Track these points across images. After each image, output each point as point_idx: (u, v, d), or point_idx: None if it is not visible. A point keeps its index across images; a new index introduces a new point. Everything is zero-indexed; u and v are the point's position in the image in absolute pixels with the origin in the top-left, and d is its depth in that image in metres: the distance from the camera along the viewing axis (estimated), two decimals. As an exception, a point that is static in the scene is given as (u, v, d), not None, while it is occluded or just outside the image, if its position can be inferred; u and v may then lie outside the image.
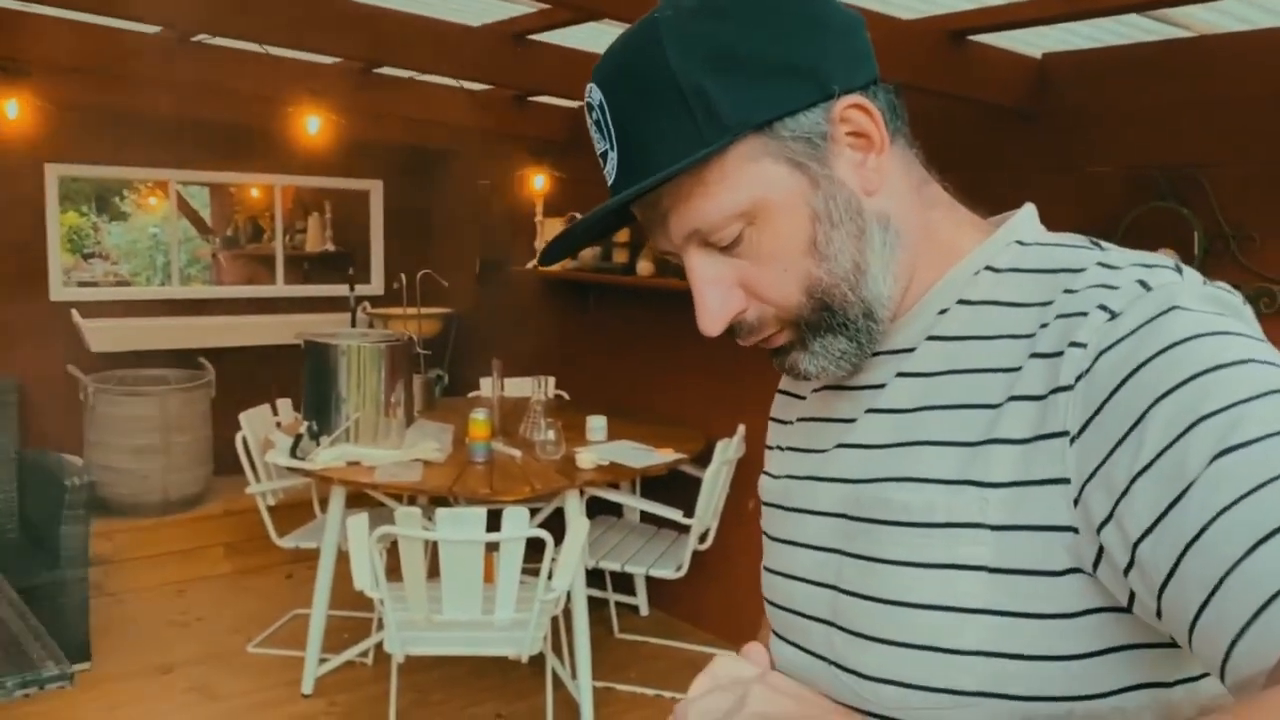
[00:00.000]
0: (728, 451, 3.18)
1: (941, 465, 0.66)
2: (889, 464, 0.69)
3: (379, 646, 3.35)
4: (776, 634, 0.81)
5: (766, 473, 0.86)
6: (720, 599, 3.70)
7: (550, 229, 4.22)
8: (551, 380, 4.22)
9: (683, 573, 3.16)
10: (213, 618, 3.82)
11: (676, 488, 3.43)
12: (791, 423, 0.85)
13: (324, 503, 3.49)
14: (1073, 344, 0.62)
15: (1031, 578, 0.62)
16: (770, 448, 0.89)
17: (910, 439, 0.69)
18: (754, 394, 3.63)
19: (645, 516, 3.64)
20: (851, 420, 0.75)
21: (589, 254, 3.98)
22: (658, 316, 3.96)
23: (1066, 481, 0.60)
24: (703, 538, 3.21)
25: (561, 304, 4.46)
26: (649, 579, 3.86)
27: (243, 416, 3.35)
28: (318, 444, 3.14)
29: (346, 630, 3.56)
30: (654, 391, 3.98)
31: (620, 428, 3.49)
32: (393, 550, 2.59)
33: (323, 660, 3.27)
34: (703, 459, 3.28)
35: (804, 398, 0.83)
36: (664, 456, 3.23)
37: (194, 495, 4.25)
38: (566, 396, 4.27)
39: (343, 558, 3.12)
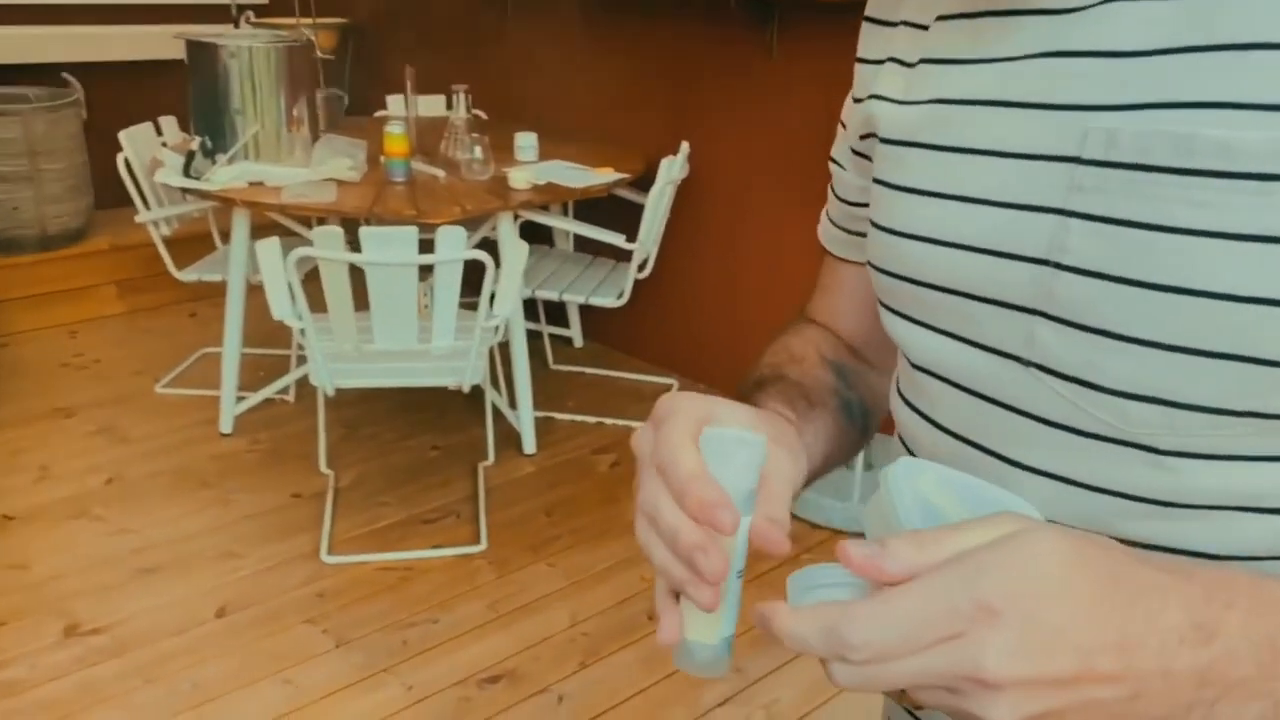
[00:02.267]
0: (672, 170, 2.94)
1: None
2: (1177, 79, 0.47)
3: (300, 383, 3.16)
4: (902, 314, 0.62)
5: (879, 97, 0.64)
6: (655, 328, 3.58)
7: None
8: (467, 95, 3.84)
9: (624, 300, 2.99)
10: (112, 360, 3.55)
11: (612, 213, 3.20)
12: (925, 27, 0.61)
13: (225, 235, 3.16)
14: None
15: None
16: (871, 62, 0.66)
17: (1219, 39, 0.46)
18: (695, 111, 3.39)
19: (580, 245, 3.43)
20: (1071, 9, 0.51)
21: (507, -50, 3.52)
22: (588, 21, 3.58)
23: None
24: (642, 266, 3.02)
25: (474, 10, 4.01)
26: (583, 310, 3.70)
27: (123, 135, 2.94)
28: (213, 162, 2.78)
29: (262, 369, 3.34)
30: (584, 109, 3.65)
31: (550, 148, 3.20)
32: (309, 283, 2.34)
33: (240, 399, 3.07)
34: (642, 183, 3.04)
35: None
36: (603, 177, 2.97)
37: (75, 229, 3.85)
38: (484, 116, 3.91)
39: (252, 292, 2.86)
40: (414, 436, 3.09)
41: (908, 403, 0.64)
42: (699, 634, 0.52)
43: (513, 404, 3.02)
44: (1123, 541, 0.52)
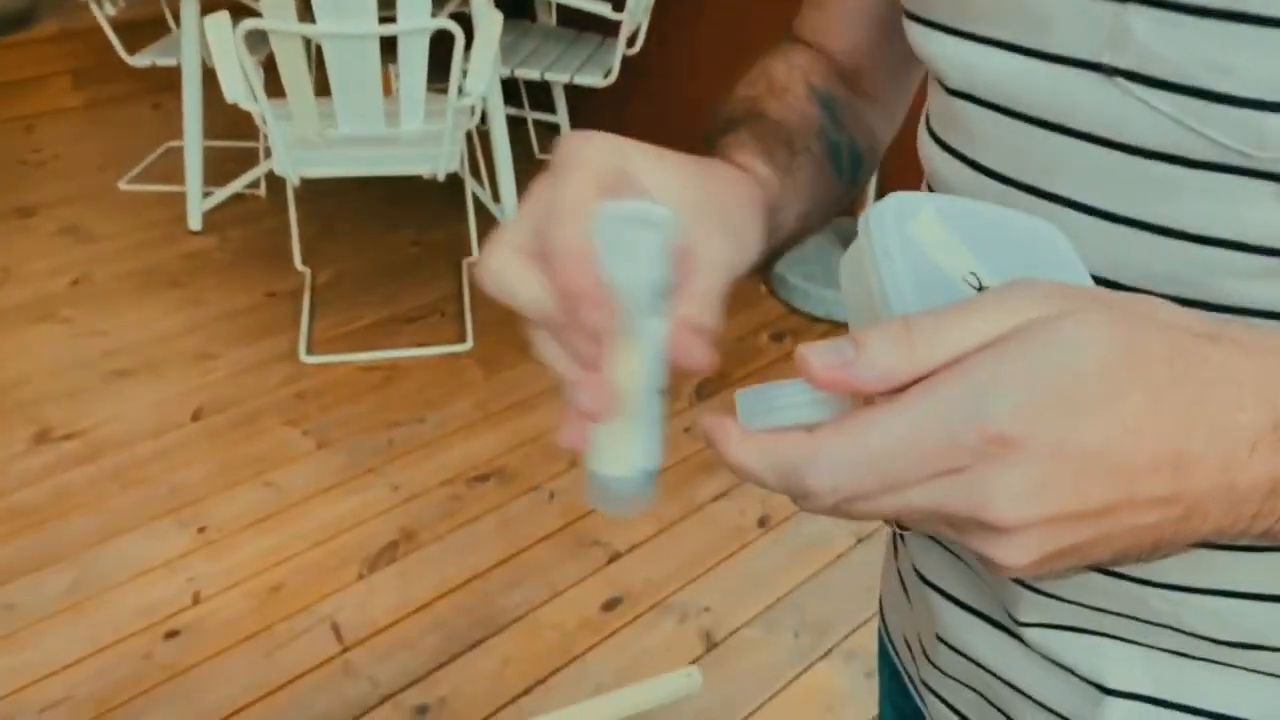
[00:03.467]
0: (662, -72, 2.65)
1: None
2: None
3: (271, 177, 2.97)
4: (936, 23, 0.47)
5: None
6: (646, 110, 3.35)
7: None
8: None
9: (612, 79, 2.76)
10: (72, 155, 3.35)
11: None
12: None
13: (177, 16, 2.89)
14: None
15: None
16: None
17: None
18: None
19: (563, 19, 3.15)
20: None
21: None
22: None
23: None
24: (631, 40, 2.78)
25: None
26: (570, 93, 3.46)
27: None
28: (152, -72, 2.50)
29: (230, 161, 3.14)
30: None
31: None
32: (269, 67, 2.12)
33: (207, 194, 2.89)
34: (630, -58, 2.75)
35: None
36: (586, -63, 2.68)
37: (18, 12, 3.56)
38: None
39: (212, 78, 2.63)
40: (394, 232, 2.93)
41: (940, 142, 0.50)
42: (608, 464, 0.40)
43: (496, 197, 2.85)
44: (1221, 309, 0.40)
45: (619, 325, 0.38)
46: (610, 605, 1.76)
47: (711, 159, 0.48)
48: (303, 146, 2.23)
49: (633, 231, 0.38)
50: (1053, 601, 0.48)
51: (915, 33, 0.49)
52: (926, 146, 0.52)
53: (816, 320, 2.51)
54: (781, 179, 0.50)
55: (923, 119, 0.53)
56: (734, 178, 0.47)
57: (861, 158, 0.58)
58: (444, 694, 1.61)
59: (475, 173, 2.91)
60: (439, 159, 2.27)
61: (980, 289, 0.34)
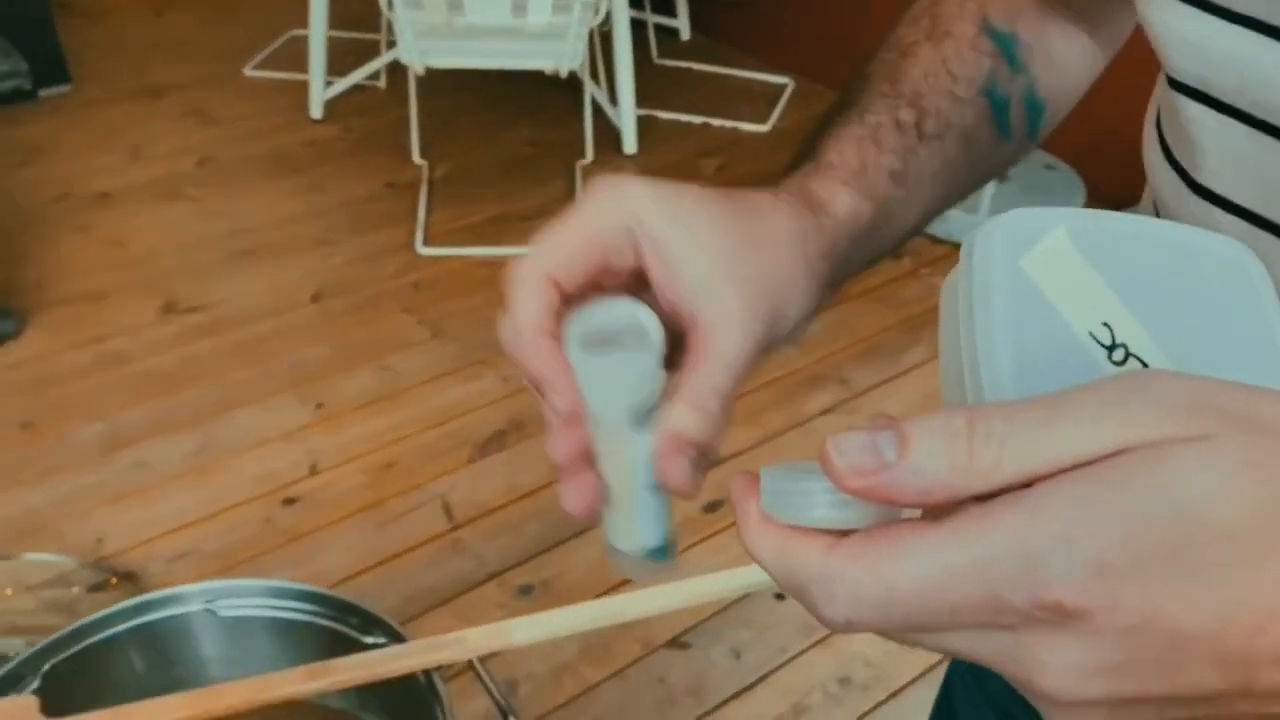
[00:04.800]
0: None
1: None
2: None
3: (392, 69, 2.99)
4: None
5: None
6: (771, 18, 3.27)
7: None
8: None
9: (739, -18, 2.69)
10: (198, 40, 3.40)
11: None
12: None
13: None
14: None
15: None
16: None
17: None
18: None
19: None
20: None
21: None
22: None
23: None
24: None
25: None
26: (691, -1, 3.39)
27: None
28: None
29: (351, 53, 3.16)
30: None
31: None
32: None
33: (329, 83, 2.92)
34: None
35: None
36: None
37: (152, -103, 3.61)
38: None
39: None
40: (509, 131, 2.93)
41: (1165, 147, 0.41)
42: (618, 539, 0.40)
43: (613, 99, 2.82)
44: None
45: (600, 438, 0.37)
46: (712, 507, 1.77)
47: (766, 200, 0.40)
48: (429, 35, 2.23)
49: (607, 359, 0.36)
50: None
51: (1146, 4, 0.39)
52: (1150, 152, 0.42)
53: (937, 242, 2.44)
54: (889, 191, 0.44)
55: (1148, 116, 0.44)
56: (784, 229, 0.39)
57: (1043, 105, 0.50)
58: (547, 577, 1.65)
59: (594, 75, 2.88)
60: (562, 54, 2.25)
61: (1112, 349, 0.27)
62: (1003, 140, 0.48)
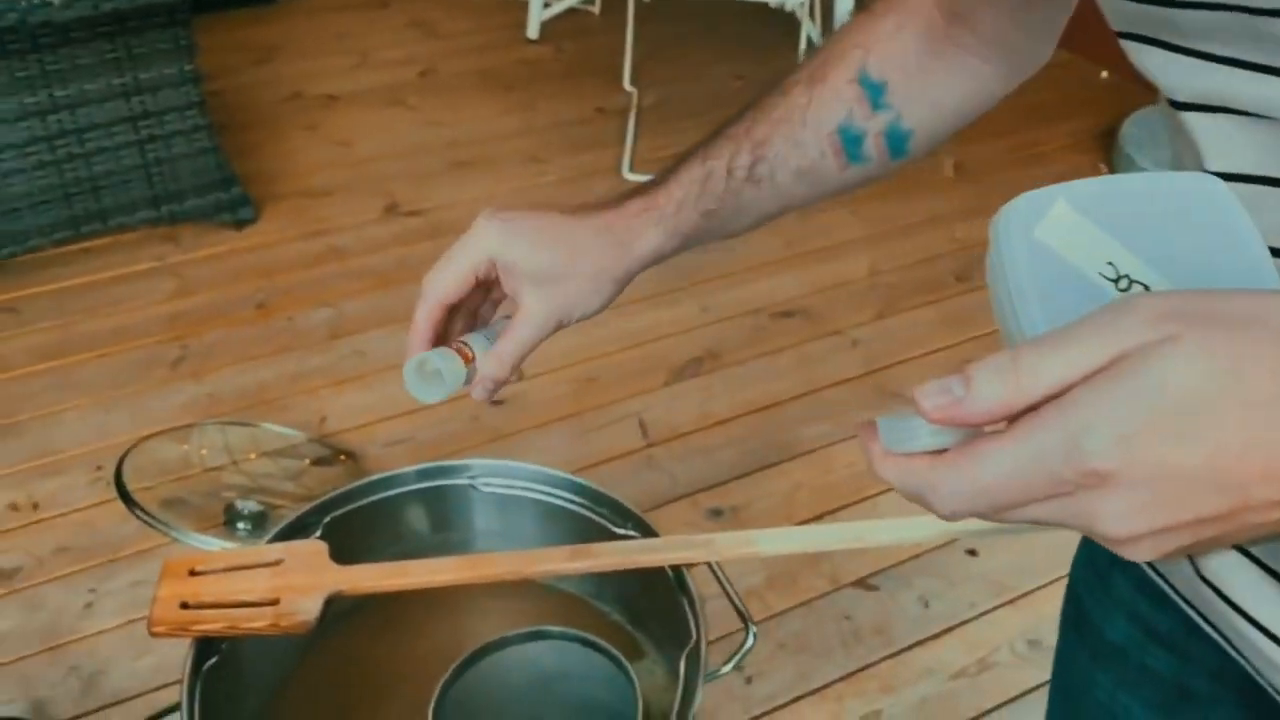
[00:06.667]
0: None
1: None
2: None
3: (608, -7, 3.02)
4: (1154, 40, 0.43)
5: None
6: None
7: None
8: None
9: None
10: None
11: None
12: None
13: None
14: None
15: None
16: None
17: None
18: None
19: None
20: None
21: None
22: None
23: None
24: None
25: None
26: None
27: None
28: None
29: (569, -24, 3.21)
30: None
31: None
32: None
33: (546, 4, 2.98)
34: None
35: None
36: None
37: None
38: None
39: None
40: (719, 64, 2.93)
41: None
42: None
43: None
44: None
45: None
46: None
47: (589, 236, 0.63)
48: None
49: (425, 380, 0.63)
50: None
51: (1127, 47, 0.44)
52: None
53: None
54: (698, 224, 0.65)
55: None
56: (592, 261, 0.63)
57: (908, 134, 0.63)
58: (736, 503, 1.68)
59: (810, 13, 2.84)
60: (791, -13, 2.22)
61: (1117, 280, 0.35)
62: (855, 165, 0.64)
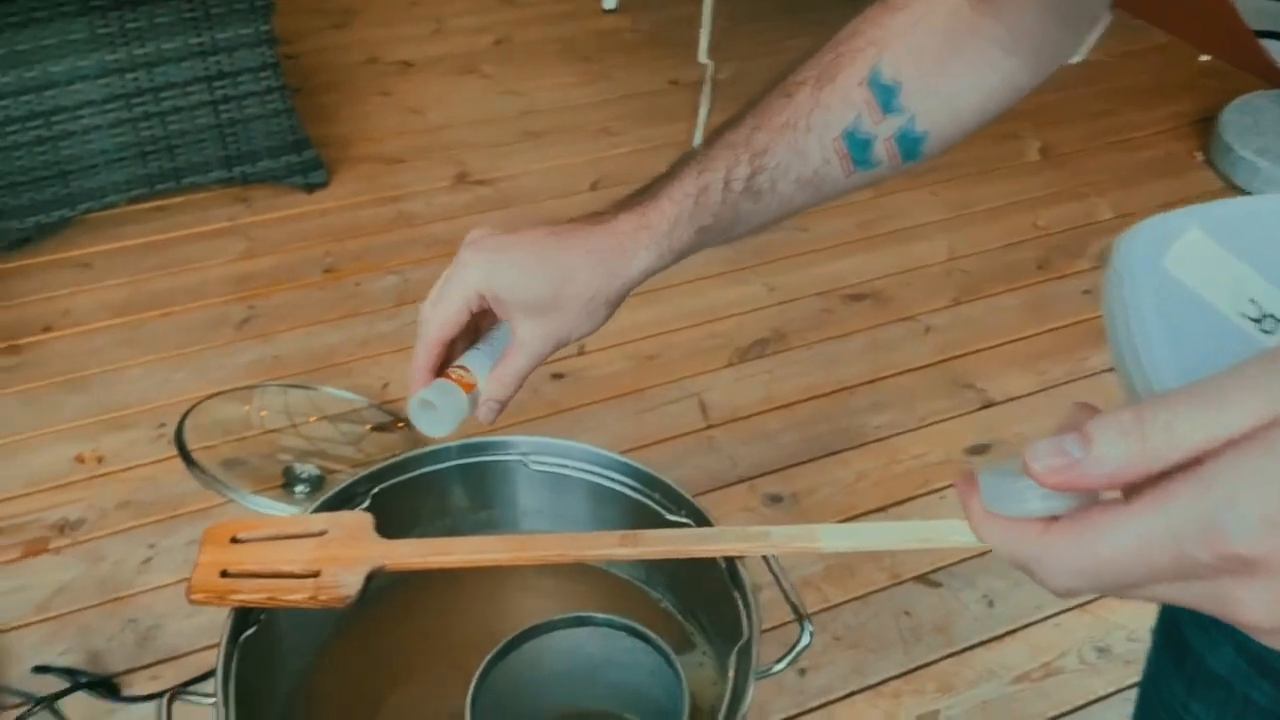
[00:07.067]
0: None
1: None
2: None
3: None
4: None
5: None
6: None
7: None
8: None
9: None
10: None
11: None
12: None
13: None
14: None
15: None
16: None
17: None
18: None
19: None
20: None
21: None
22: None
23: None
24: None
25: None
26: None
27: None
28: None
29: (649, -55, 3.16)
30: None
31: None
32: None
33: (625, -26, 2.93)
34: None
35: None
36: None
37: None
38: None
39: None
40: (792, 40, 2.85)
41: None
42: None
43: (913, 14, 2.69)
44: None
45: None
46: (978, 450, 1.71)
47: (580, 257, 0.63)
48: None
49: (427, 411, 0.66)
50: None
51: (1269, 45, 0.41)
52: None
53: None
54: (691, 240, 0.64)
55: None
56: (583, 285, 0.63)
57: (922, 136, 0.60)
58: (797, 490, 1.64)
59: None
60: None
61: (1261, 320, 0.31)
62: (863, 170, 0.62)
